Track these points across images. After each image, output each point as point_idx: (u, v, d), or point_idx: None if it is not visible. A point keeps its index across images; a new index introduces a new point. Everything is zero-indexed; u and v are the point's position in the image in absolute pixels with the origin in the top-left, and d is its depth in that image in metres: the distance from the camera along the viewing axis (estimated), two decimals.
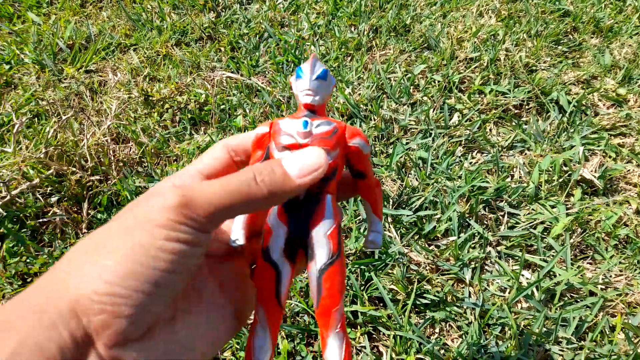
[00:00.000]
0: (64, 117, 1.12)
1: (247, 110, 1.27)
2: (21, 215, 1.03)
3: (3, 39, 1.60)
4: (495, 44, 1.43)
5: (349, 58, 1.44)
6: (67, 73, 1.40)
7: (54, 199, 1.06)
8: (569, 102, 1.23)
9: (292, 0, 1.71)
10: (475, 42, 1.43)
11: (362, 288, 0.88)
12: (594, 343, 0.80)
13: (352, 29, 1.56)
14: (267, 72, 1.41)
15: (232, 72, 1.39)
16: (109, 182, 1.08)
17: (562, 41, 1.45)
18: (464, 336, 0.82)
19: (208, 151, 0.36)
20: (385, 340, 0.83)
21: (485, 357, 0.78)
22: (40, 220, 1.03)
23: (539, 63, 1.37)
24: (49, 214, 1.02)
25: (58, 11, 1.73)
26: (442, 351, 0.81)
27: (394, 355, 0.80)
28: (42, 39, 1.53)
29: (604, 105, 1.26)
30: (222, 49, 1.49)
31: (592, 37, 1.47)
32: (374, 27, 1.54)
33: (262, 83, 1.35)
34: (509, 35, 1.46)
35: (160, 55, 1.47)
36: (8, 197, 0.98)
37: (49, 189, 1.07)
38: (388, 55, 1.42)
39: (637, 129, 1.17)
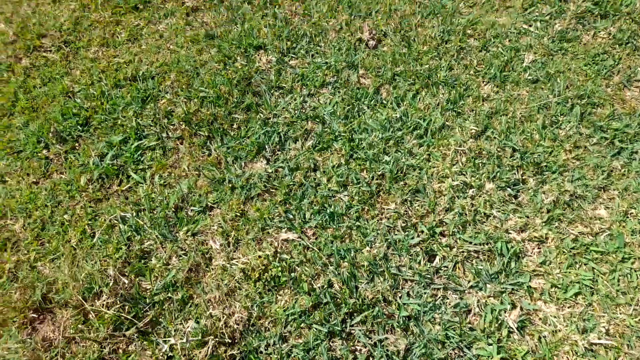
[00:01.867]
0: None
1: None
2: None
3: (117, 199, 2.18)
4: (464, 189, 2.00)
5: (365, 209, 2.03)
6: (182, 239, 2.03)
7: None
8: (508, 250, 1.85)
9: (319, 141, 2.22)
10: (450, 192, 2.00)
11: None
12: None
13: (364, 173, 2.12)
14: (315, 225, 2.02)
15: (289, 231, 2.01)
16: None
17: (510, 181, 2.01)
18: None
19: None
20: None
21: None
22: None
23: (493, 209, 1.96)
24: None
25: (148, 163, 2.27)
26: None
27: None
28: (154, 206, 2.12)
29: (530, 247, 1.88)
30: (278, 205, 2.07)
31: (531, 177, 2.02)
32: (381, 174, 2.09)
33: (310, 241, 1.97)
34: (474, 179, 2.02)
35: (237, 214, 2.06)
36: None
37: None
38: (390, 211, 2.00)
39: (547, 271, 1.81)
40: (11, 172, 2.32)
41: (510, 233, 1.89)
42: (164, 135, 2.33)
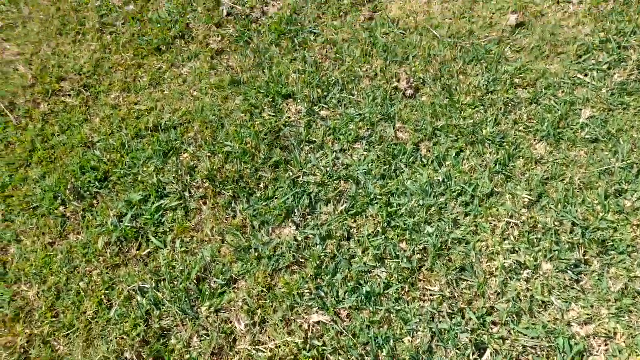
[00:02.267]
0: None
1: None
2: None
3: (135, 266, 2.02)
4: (517, 270, 1.78)
5: (405, 289, 1.82)
6: (203, 315, 1.86)
7: None
8: (571, 348, 1.62)
9: (353, 204, 2.03)
10: (502, 274, 1.78)
11: None
12: None
13: (404, 244, 1.91)
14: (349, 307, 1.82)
15: (320, 312, 1.81)
16: None
17: (570, 262, 1.77)
18: None
19: None
20: None
21: None
22: None
23: (551, 295, 1.73)
24: None
25: (169, 225, 2.10)
26: None
27: None
28: (175, 275, 1.95)
29: (596, 343, 1.65)
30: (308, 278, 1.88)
31: (595, 258, 1.78)
32: (423, 247, 1.89)
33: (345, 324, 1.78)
34: (528, 258, 1.79)
35: (264, 289, 1.88)
36: None
37: None
38: (434, 293, 1.79)
39: None
40: (27, 230, 2.18)
41: (572, 326, 1.66)
42: (186, 193, 2.16)
